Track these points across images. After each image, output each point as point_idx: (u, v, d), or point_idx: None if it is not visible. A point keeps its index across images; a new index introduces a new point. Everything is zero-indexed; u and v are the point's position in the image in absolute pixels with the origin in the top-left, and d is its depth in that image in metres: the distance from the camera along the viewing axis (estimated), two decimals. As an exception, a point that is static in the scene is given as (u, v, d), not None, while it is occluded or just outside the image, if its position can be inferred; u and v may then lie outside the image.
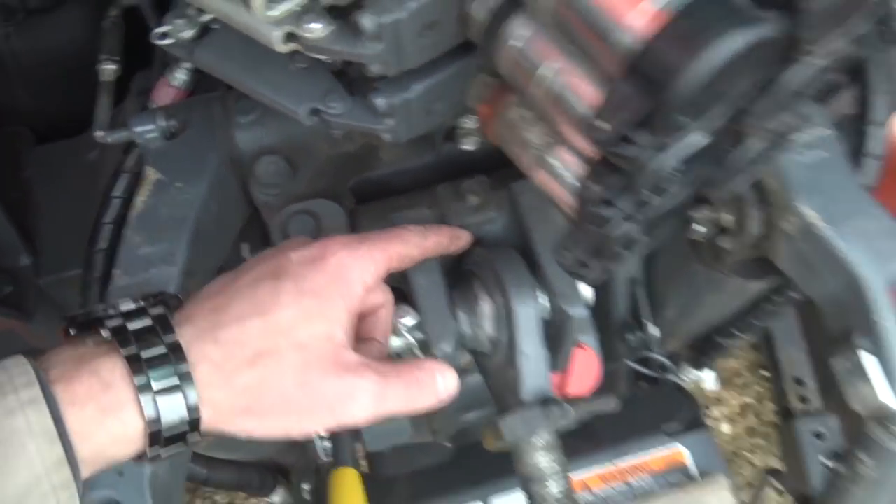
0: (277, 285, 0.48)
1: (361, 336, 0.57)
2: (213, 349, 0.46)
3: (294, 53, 0.52)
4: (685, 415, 0.88)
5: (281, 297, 0.48)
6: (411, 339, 0.64)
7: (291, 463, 1.03)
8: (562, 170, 0.49)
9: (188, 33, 0.57)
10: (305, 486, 0.92)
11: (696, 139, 0.39)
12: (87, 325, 0.47)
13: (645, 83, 0.34)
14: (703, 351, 1.02)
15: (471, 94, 0.54)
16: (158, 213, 0.65)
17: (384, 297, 0.58)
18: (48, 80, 1.11)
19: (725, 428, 2.19)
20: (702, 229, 0.78)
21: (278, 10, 0.43)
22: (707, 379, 1.09)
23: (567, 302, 0.63)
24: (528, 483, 0.62)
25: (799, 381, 1.47)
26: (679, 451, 0.85)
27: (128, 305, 0.47)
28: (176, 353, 0.44)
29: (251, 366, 0.46)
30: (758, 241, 0.76)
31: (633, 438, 0.85)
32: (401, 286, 0.65)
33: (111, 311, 0.47)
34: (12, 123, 1.18)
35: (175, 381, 0.44)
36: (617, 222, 0.42)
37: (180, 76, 0.78)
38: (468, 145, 0.68)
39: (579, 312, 0.63)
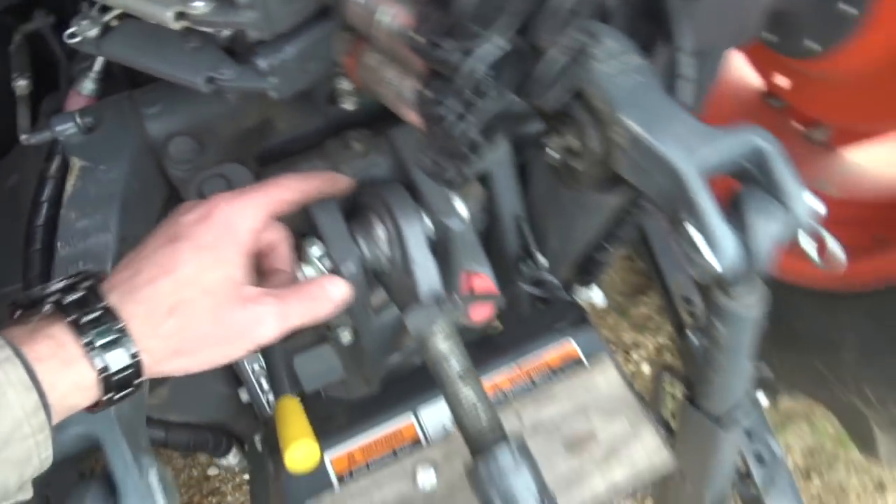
0: (176, 247, 0.58)
1: (267, 269, 0.68)
2: (137, 308, 0.55)
3: (188, 34, 0.64)
4: (572, 316, 1.02)
5: (181, 255, 0.57)
6: (321, 267, 0.76)
7: (241, 429, 1.13)
8: (413, 94, 0.63)
9: (93, 32, 0.69)
10: (257, 437, 1.02)
11: (494, 46, 0.53)
12: (30, 306, 0.55)
13: (439, 2, 0.48)
14: (586, 270, 1.18)
15: (335, 49, 0.67)
16: (88, 192, 0.76)
17: (278, 234, 0.68)
18: None
19: (646, 368, 2.39)
20: (556, 155, 0.93)
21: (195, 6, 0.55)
22: (595, 297, 1.25)
23: (445, 216, 0.77)
24: (434, 366, 0.75)
25: (687, 300, 1.65)
26: (570, 345, 1.00)
27: (59, 284, 0.56)
28: (110, 315, 0.54)
29: (171, 315, 0.56)
30: (601, 157, 0.92)
31: (530, 341, 0.99)
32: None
33: (48, 291, 0.55)
34: None
35: (114, 336, 0.53)
36: (453, 122, 0.56)
37: (88, 85, 0.89)
38: (348, 105, 0.81)
39: (457, 224, 0.77)
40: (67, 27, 0.85)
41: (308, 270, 0.76)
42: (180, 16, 0.58)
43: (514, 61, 0.57)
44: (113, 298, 0.55)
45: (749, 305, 0.91)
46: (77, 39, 0.68)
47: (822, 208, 0.86)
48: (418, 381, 1.00)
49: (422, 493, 0.90)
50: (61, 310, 0.54)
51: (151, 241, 0.60)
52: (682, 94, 0.95)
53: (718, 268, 0.82)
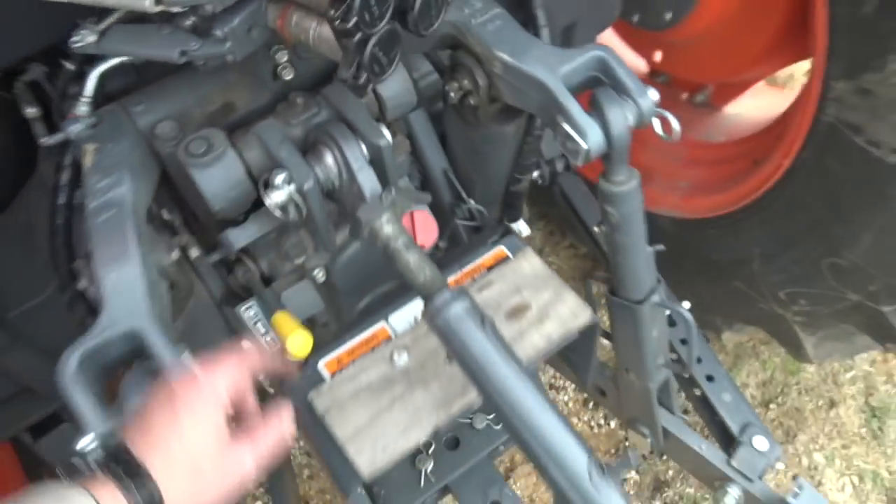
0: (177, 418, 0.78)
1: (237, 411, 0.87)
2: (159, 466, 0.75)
3: (161, 24, 0.90)
4: (499, 231, 1.28)
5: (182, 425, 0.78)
6: (287, 189, 1.01)
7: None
8: (329, 34, 0.89)
9: (92, 38, 0.94)
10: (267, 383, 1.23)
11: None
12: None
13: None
14: (509, 204, 1.44)
15: (269, 18, 0.94)
16: (103, 163, 1.00)
17: (239, 388, 0.86)
18: None
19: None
20: (453, 95, 1.20)
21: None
22: (522, 228, 1.50)
23: (375, 138, 1.02)
24: (385, 248, 0.99)
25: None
26: (501, 249, 1.25)
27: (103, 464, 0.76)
28: (143, 476, 0.74)
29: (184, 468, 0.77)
30: (489, 91, 1.19)
31: (469, 255, 1.24)
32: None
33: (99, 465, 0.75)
34: None
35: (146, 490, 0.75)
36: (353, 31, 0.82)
37: (82, 108, 1.13)
38: (287, 75, 1.08)
39: (384, 142, 1.02)
40: (56, 76, 1.11)
41: (278, 196, 1.01)
42: (157, 2, 0.85)
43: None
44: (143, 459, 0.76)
45: (623, 183, 1.17)
46: (81, 44, 0.94)
47: (657, 96, 1.14)
48: (386, 300, 1.25)
49: (399, 370, 1.12)
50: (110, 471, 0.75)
51: (157, 410, 0.80)
52: (545, 37, 1.24)
53: (587, 147, 1.08)
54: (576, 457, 0.90)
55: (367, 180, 1.01)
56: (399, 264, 0.98)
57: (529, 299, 1.18)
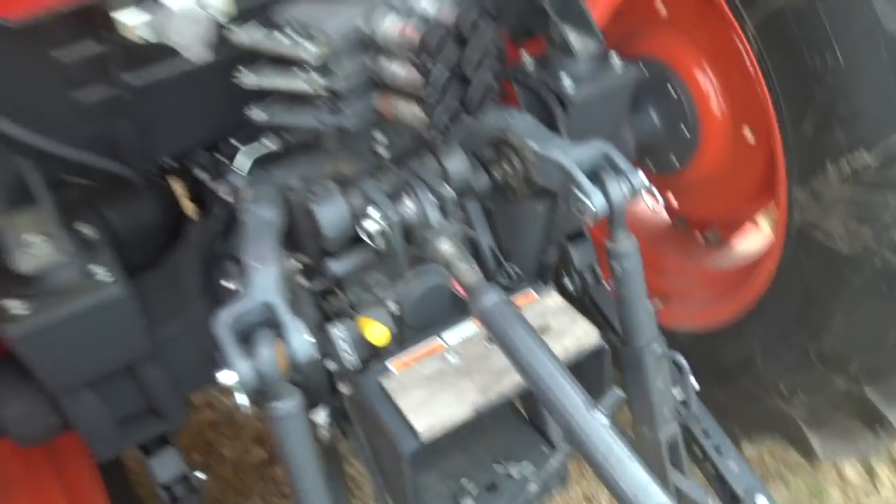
0: None
1: None
2: None
3: (306, 102, 1.41)
4: (529, 282, 1.67)
5: None
6: (380, 219, 1.44)
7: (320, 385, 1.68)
8: (414, 110, 1.38)
9: (263, 116, 1.45)
10: (343, 388, 1.59)
11: (441, 70, 1.30)
12: None
13: (423, 52, 1.25)
14: (541, 274, 1.84)
15: (377, 101, 1.44)
16: (256, 198, 1.47)
17: None
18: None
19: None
20: (499, 177, 1.66)
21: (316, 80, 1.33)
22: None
23: (440, 188, 1.47)
24: (443, 260, 1.39)
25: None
26: (530, 292, 1.64)
27: None
28: None
29: None
30: (524, 174, 1.64)
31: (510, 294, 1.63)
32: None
33: None
34: None
35: None
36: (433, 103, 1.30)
37: (238, 180, 1.63)
38: (382, 152, 1.56)
39: (446, 191, 1.47)
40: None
41: (370, 224, 1.45)
42: (309, 84, 1.35)
43: (456, 82, 1.34)
44: None
45: (623, 242, 1.57)
46: (256, 118, 1.44)
47: (646, 181, 1.57)
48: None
49: (451, 366, 1.48)
50: None
51: None
52: (563, 131, 1.72)
53: (593, 207, 1.51)
54: (574, 397, 1.23)
55: (434, 213, 1.44)
56: (454, 270, 1.38)
57: (551, 322, 1.54)
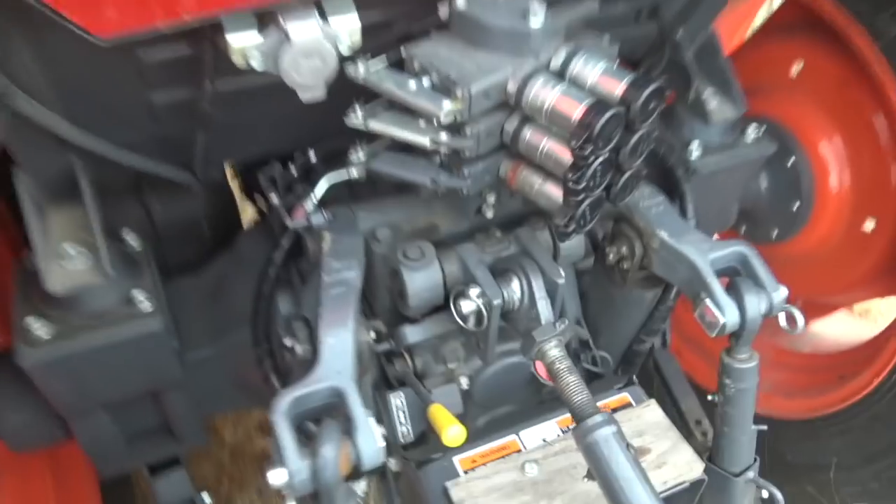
0: None
1: None
2: None
3: (419, 156, 1.17)
4: (625, 380, 1.46)
5: None
6: (477, 301, 1.22)
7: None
8: (549, 191, 1.15)
9: (362, 158, 1.22)
10: (392, 460, 1.38)
11: (598, 157, 1.06)
12: None
13: (584, 128, 1.01)
14: (627, 360, 1.62)
15: (501, 170, 1.21)
16: (338, 250, 1.24)
17: None
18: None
19: None
20: (611, 257, 1.43)
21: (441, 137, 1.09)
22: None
23: (555, 275, 1.24)
24: (549, 365, 1.18)
25: (697, 422, 2.05)
26: (625, 396, 1.43)
27: None
28: None
29: None
30: (641, 260, 1.42)
31: (595, 394, 1.41)
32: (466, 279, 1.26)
33: None
34: None
35: None
36: (581, 193, 1.07)
37: (310, 205, 1.40)
38: (489, 213, 1.33)
39: (561, 280, 1.25)
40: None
41: (467, 305, 1.23)
42: (434, 142, 1.12)
43: (609, 171, 1.10)
44: None
45: (745, 361, 1.35)
46: (355, 166, 1.21)
47: (787, 291, 1.35)
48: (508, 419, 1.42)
49: (528, 479, 1.27)
50: None
51: None
52: (689, 215, 1.48)
53: (724, 321, 1.28)
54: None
55: (545, 308, 1.22)
56: (560, 382, 1.17)
57: (650, 444, 1.33)
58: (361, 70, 1.10)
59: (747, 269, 1.37)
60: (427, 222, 1.36)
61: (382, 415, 1.44)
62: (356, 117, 1.16)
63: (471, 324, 1.25)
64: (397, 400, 1.41)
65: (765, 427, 1.46)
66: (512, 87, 1.09)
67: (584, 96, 1.06)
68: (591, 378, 1.58)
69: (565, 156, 1.07)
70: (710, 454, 1.50)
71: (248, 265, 1.57)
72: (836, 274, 2.17)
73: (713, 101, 1.62)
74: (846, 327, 2.39)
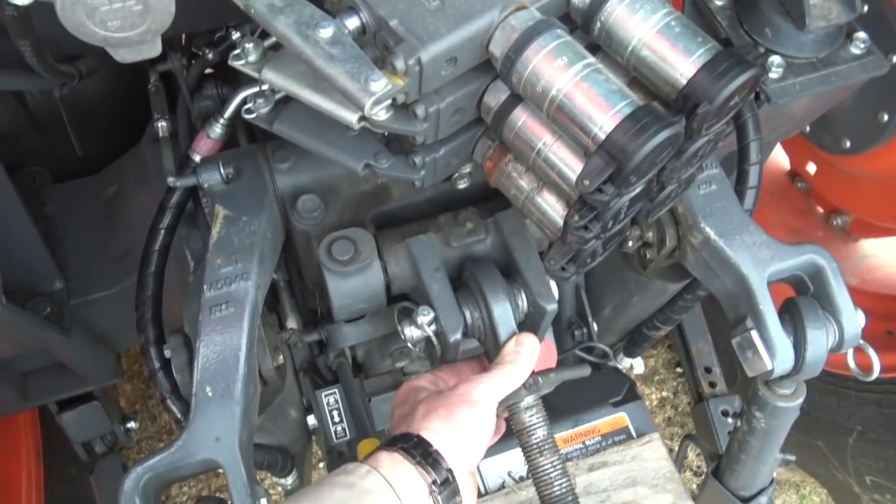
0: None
1: None
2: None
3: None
4: (624, 390, 1.12)
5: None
6: (429, 331, 0.85)
7: (299, 450, 1.22)
8: (546, 206, 0.73)
9: (266, 109, 0.78)
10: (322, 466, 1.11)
11: (638, 187, 0.63)
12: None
13: (609, 157, 0.58)
14: (633, 342, 1.27)
15: (477, 152, 0.77)
16: (231, 240, 0.85)
17: None
18: (80, 128, 1.28)
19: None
20: (631, 243, 1.03)
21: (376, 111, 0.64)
22: (637, 365, 1.35)
23: (543, 299, 0.86)
24: (520, 435, 0.84)
25: (708, 370, 1.76)
26: (622, 417, 1.10)
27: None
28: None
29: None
30: (672, 252, 1.02)
31: (588, 410, 1.09)
32: (418, 294, 0.87)
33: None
34: (31, 164, 1.34)
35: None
36: (590, 240, 0.66)
37: (217, 130, 0.97)
38: (461, 184, 0.91)
39: (551, 307, 0.86)
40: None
41: (415, 333, 0.86)
42: (362, 119, 0.68)
43: (643, 194, 0.67)
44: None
45: (789, 399, 1.01)
46: (252, 116, 0.77)
47: (864, 320, 0.98)
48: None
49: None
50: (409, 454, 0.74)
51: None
52: (749, 201, 1.05)
53: (772, 367, 0.92)
54: None
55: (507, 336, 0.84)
56: (530, 462, 0.84)
57: (643, 500, 1.03)
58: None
59: (818, 284, 0.98)
60: (374, 183, 0.94)
61: (314, 411, 1.13)
62: (245, 55, 0.71)
63: (419, 349, 0.89)
64: (330, 398, 1.10)
65: (793, 458, 1.15)
66: (497, 49, 0.63)
67: (617, 89, 0.60)
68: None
69: (577, 168, 0.64)
70: (716, 468, 1.21)
71: (153, 176, 1.18)
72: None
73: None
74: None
